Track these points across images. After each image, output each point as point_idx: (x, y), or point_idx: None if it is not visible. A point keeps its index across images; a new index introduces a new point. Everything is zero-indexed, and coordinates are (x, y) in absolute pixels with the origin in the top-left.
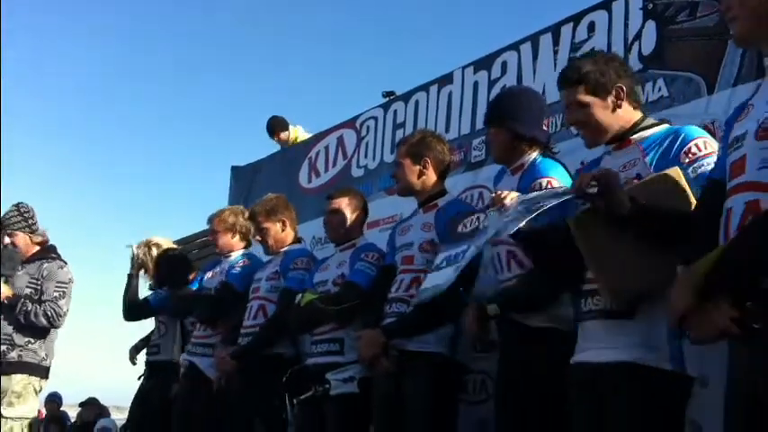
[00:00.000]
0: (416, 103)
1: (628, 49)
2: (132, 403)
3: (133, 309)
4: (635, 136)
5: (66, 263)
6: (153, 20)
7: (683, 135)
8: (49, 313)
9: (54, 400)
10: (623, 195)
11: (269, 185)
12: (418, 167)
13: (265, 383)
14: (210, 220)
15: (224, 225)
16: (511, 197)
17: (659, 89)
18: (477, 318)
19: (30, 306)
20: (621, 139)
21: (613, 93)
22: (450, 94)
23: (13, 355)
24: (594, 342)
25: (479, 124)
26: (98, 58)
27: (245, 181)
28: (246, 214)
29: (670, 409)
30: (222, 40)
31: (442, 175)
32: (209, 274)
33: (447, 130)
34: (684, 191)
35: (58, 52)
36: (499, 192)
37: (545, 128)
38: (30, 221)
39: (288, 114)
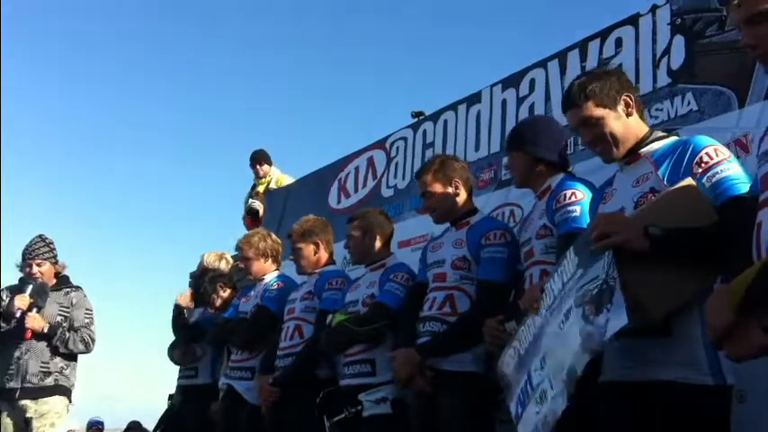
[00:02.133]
0: (445, 122)
1: (656, 64)
2: (165, 426)
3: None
4: (644, 149)
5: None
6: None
7: (692, 146)
8: (85, 339)
9: (96, 425)
10: (632, 234)
11: (300, 207)
12: (451, 189)
13: (302, 404)
14: (240, 246)
15: (255, 251)
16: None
17: (688, 103)
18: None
19: (67, 334)
20: (631, 153)
21: (622, 102)
22: (478, 113)
23: (50, 380)
24: (629, 361)
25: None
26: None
27: (279, 204)
28: (273, 236)
29: (716, 423)
30: (242, 66)
31: (470, 193)
32: (243, 300)
33: (477, 148)
34: (705, 201)
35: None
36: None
37: (564, 153)
38: (54, 252)
39: (317, 136)
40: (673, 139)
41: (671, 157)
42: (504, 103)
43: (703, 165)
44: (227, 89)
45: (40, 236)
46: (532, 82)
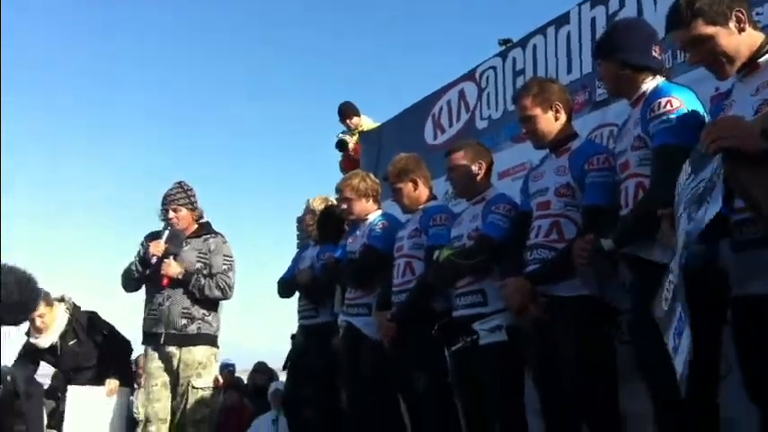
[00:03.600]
0: (534, 47)
1: None
2: (290, 367)
3: (288, 286)
4: (762, 59)
5: (225, 238)
6: None
7: None
8: (221, 285)
9: (228, 368)
10: (746, 136)
11: (396, 146)
12: (551, 113)
13: (421, 337)
14: (340, 188)
15: (356, 192)
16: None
17: None
18: (589, 251)
19: (203, 280)
20: (749, 64)
21: (734, 18)
22: (568, 34)
23: (193, 327)
24: (758, 273)
25: None
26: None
27: (374, 145)
28: (372, 177)
29: None
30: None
31: (570, 116)
32: (350, 240)
33: (569, 71)
34: None
35: None
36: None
37: (656, 56)
38: (191, 198)
39: (407, 70)
40: None
41: None
42: (593, 21)
43: None
44: (302, 43)
45: (178, 182)
46: None
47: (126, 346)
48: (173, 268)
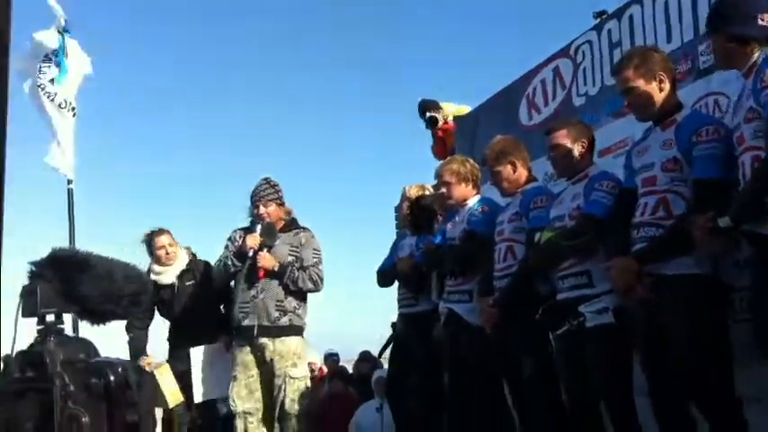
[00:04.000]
0: (631, 18)
1: None
2: (392, 355)
3: (388, 275)
4: None
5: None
6: None
7: None
8: (314, 278)
9: (332, 357)
10: None
11: (491, 130)
12: (655, 83)
13: (525, 321)
14: (440, 173)
15: (456, 176)
16: None
17: None
18: (708, 230)
19: (297, 273)
20: None
21: None
22: (666, 2)
23: (285, 320)
24: None
25: (703, 27)
26: None
27: (468, 128)
28: (471, 161)
29: None
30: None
31: (674, 85)
32: (449, 226)
33: (668, 40)
34: None
35: None
36: None
37: (764, 24)
38: (279, 193)
39: (495, 48)
40: None
41: None
42: None
43: None
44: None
45: (265, 179)
46: None
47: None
48: (269, 260)
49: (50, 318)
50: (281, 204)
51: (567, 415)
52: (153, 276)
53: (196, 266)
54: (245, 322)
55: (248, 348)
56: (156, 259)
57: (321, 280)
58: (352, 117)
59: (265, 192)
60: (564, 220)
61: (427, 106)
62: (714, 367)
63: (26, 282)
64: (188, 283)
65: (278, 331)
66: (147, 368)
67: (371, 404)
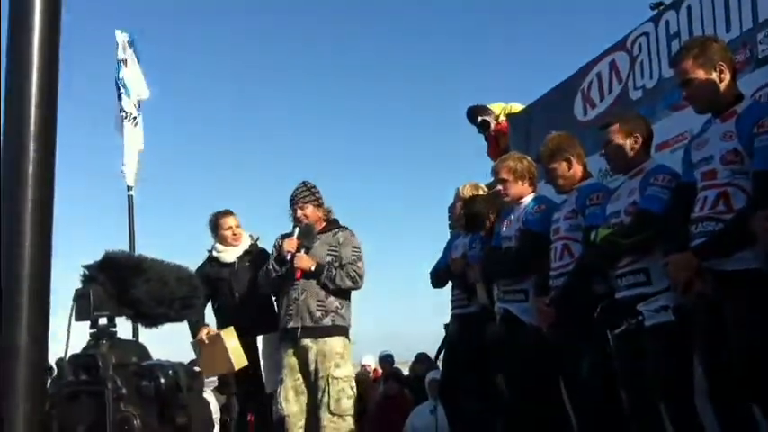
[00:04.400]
0: (689, 8)
1: None
2: (445, 356)
3: (442, 275)
4: None
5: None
6: None
7: None
8: (352, 275)
9: (387, 359)
10: None
11: (545, 126)
12: (715, 74)
13: (584, 320)
14: (496, 170)
15: (513, 173)
16: None
17: None
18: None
19: (334, 270)
20: None
21: None
22: None
23: (327, 320)
24: None
25: (763, 15)
26: None
27: (522, 126)
28: (528, 158)
29: None
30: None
31: (734, 76)
32: (505, 225)
33: (727, 30)
34: None
35: None
36: None
37: None
38: (316, 195)
39: (548, 44)
40: None
41: None
42: None
43: None
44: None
45: (303, 182)
46: None
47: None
48: (305, 261)
49: (103, 321)
50: (320, 206)
51: (626, 415)
52: (215, 254)
53: (256, 251)
54: (290, 324)
55: (292, 351)
56: (222, 239)
57: (360, 277)
58: (406, 116)
59: (302, 195)
60: (620, 217)
61: (477, 111)
62: None
63: (79, 285)
64: (248, 264)
65: (321, 332)
66: (206, 338)
67: (425, 406)
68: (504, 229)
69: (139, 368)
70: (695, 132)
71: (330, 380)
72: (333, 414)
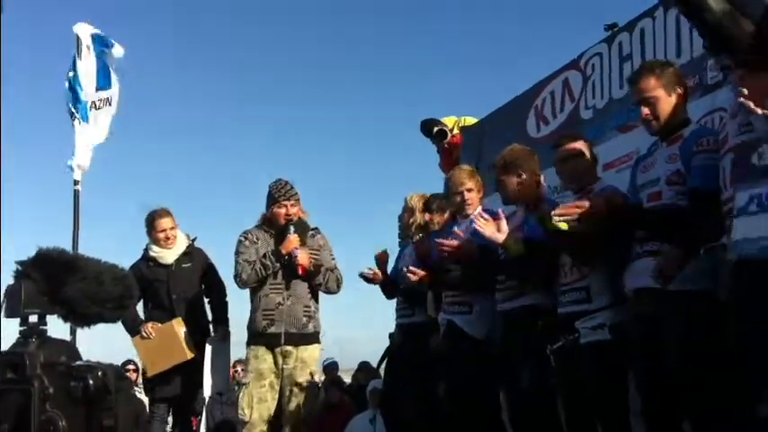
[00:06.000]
0: (642, 31)
1: None
2: (387, 366)
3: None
4: None
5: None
6: None
7: None
8: (339, 279)
9: (331, 366)
10: None
11: (498, 140)
12: (674, 96)
13: (526, 333)
14: (459, 180)
15: (476, 185)
16: None
17: None
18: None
19: (328, 274)
20: None
21: None
22: (677, 16)
23: (311, 327)
24: None
25: None
26: None
27: (475, 139)
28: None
29: None
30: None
31: (686, 102)
32: (450, 238)
33: (678, 55)
34: None
35: None
36: None
37: None
38: (298, 195)
39: (505, 61)
40: None
41: None
42: None
43: None
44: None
45: (283, 180)
46: None
47: (224, 288)
48: (307, 258)
49: (33, 319)
50: (300, 205)
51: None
52: (152, 254)
53: (194, 251)
54: (272, 329)
55: (268, 357)
56: (155, 241)
57: (342, 282)
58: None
59: (291, 191)
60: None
61: (431, 123)
62: (710, 386)
63: (11, 281)
64: (185, 266)
65: (304, 339)
66: (152, 332)
67: (365, 415)
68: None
69: (68, 368)
70: (641, 154)
71: (305, 387)
72: (299, 420)
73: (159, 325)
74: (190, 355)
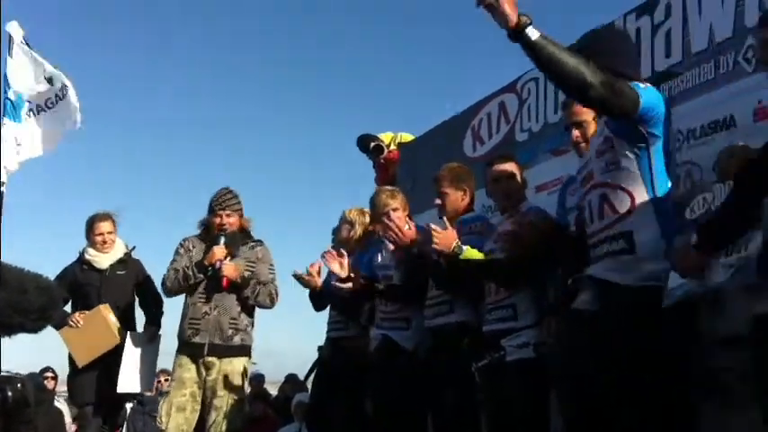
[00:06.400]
0: None
1: None
2: (315, 379)
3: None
4: None
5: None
6: None
7: None
8: (272, 294)
9: (258, 379)
10: None
11: (434, 158)
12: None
13: (451, 351)
14: (385, 202)
15: (402, 204)
16: None
17: None
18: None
19: (257, 287)
20: None
21: None
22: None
23: (237, 339)
24: None
25: (645, 71)
26: None
27: (411, 156)
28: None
29: None
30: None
31: None
32: (379, 255)
33: None
34: None
35: None
36: None
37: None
38: (241, 204)
39: (442, 82)
40: None
41: None
42: (638, 31)
43: None
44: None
45: (227, 188)
46: (668, 7)
47: (160, 299)
48: (234, 270)
49: None
50: (242, 215)
51: None
52: (87, 257)
53: (130, 260)
54: (196, 339)
55: (193, 367)
56: (92, 244)
57: (277, 297)
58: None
59: (230, 201)
60: (495, 254)
61: (368, 139)
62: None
63: None
64: (119, 273)
65: (229, 351)
66: (80, 320)
67: (290, 428)
68: (380, 258)
69: None
70: (570, 177)
71: (229, 401)
72: None
73: (86, 312)
74: (118, 341)
